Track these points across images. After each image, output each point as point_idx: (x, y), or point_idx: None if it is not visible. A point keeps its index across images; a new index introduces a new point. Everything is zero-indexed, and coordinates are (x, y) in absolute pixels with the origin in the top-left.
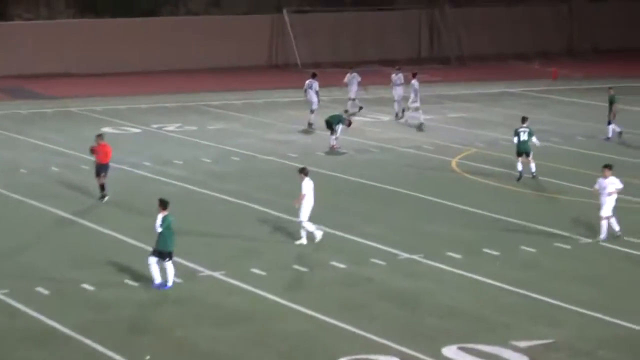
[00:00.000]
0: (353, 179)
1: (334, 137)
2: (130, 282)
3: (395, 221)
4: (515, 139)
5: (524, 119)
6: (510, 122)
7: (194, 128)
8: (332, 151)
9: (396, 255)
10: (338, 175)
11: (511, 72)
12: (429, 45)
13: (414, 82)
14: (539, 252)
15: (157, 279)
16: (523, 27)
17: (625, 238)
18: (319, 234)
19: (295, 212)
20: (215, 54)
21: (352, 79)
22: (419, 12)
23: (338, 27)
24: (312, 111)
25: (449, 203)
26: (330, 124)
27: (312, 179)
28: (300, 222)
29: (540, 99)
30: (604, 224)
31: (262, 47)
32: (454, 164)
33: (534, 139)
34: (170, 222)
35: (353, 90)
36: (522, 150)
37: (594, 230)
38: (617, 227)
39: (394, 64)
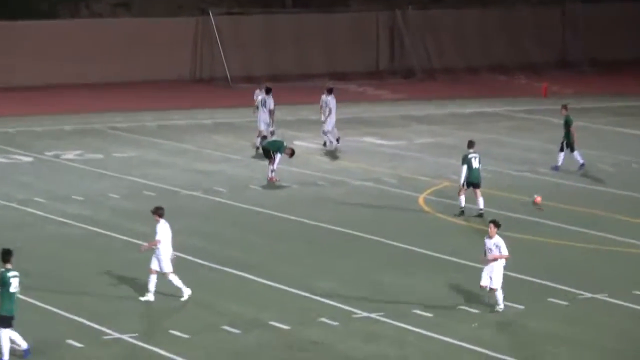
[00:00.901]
0: (297, 219)
1: (271, 167)
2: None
3: (349, 271)
4: (465, 168)
5: (471, 143)
6: (490, 148)
7: (99, 156)
8: (270, 184)
9: (350, 313)
10: (278, 214)
11: (490, 88)
12: (389, 55)
13: (330, 99)
14: (528, 310)
15: (5, 356)
16: (504, 34)
17: (635, 292)
18: (186, 292)
19: (229, 261)
20: (125, 65)
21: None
22: (376, 14)
23: (276, 33)
24: (272, 133)
25: (416, 249)
26: (269, 152)
27: (245, 218)
28: (165, 275)
29: (526, 120)
30: (497, 294)
31: (182, 58)
32: (421, 201)
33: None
34: (8, 279)
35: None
36: (474, 180)
37: (597, 282)
38: (501, 304)
39: (346, 77)
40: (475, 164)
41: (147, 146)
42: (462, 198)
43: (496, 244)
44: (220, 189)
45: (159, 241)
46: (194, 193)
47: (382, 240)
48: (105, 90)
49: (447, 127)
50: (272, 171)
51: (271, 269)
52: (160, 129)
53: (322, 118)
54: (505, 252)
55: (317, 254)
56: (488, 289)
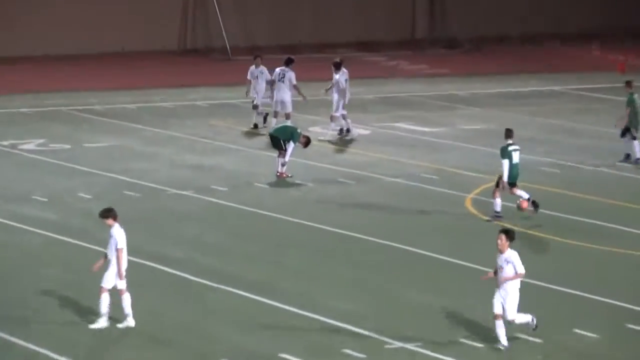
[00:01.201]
0: (312, 224)
1: (282, 160)
2: None
3: (377, 289)
4: (507, 163)
5: (510, 132)
6: (555, 136)
7: (66, 146)
8: (280, 181)
9: (381, 343)
10: (289, 219)
11: (554, 61)
12: (427, 21)
13: (339, 76)
14: (603, 339)
15: None
16: None
17: None
18: (103, 319)
19: (227, 277)
20: (99, 33)
21: (259, 74)
22: None
23: None
24: (287, 116)
25: (461, 262)
26: (278, 141)
27: (248, 223)
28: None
29: (599, 101)
30: (518, 322)
31: (170, 24)
32: (468, 202)
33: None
34: None
35: (259, 92)
36: (513, 179)
37: None
38: (532, 321)
39: (375, 48)
40: (516, 158)
41: (126, 134)
42: (499, 201)
43: (507, 259)
44: (218, 188)
45: (122, 250)
46: (185, 192)
47: (418, 251)
48: (74, 64)
49: (501, 109)
50: (282, 165)
51: (280, 286)
52: (142, 113)
53: (334, 101)
54: (520, 269)
55: (337, 267)
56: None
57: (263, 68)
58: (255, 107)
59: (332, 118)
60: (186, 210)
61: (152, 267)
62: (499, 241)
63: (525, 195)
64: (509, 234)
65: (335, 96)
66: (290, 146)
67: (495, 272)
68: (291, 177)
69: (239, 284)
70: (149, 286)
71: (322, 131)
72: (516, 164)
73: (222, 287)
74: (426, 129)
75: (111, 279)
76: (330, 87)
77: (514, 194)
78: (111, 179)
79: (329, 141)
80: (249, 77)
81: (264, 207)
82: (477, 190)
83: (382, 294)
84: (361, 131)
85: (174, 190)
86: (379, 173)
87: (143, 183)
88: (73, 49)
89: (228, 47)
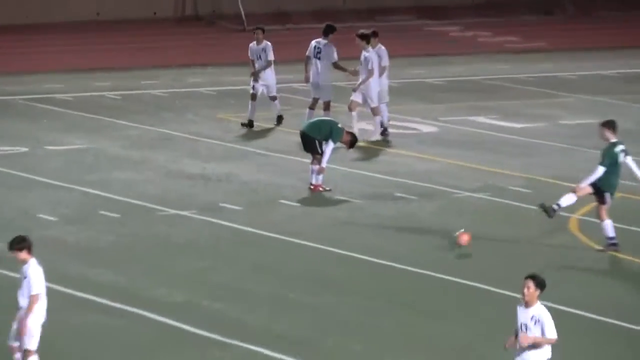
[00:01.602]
0: (359, 256)
1: (316, 167)
2: None
3: (460, 348)
4: (601, 170)
5: (613, 125)
6: None
7: (23, 149)
8: (315, 196)
9: None
10: (326, 248)
11: None
12: None
13: (369, 54)
14: None
15: None
16: None
17: None
18: None
19: (245, 330)
20: None
21: (263, 50)
22: None
23: None
24: (327, 105)
25: (573, 310)
26: (312, 142)
27: (272, 256)
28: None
29: None
30: None
31: None
32: (574, 226)
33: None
34: None
35: (268, 77)
36: (613, 188)
37: None
38: None
39: (441, 14)
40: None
41: (103, 132)
42: (609, 222)
43: (536, 317)
44: (229, 206)
45: (38, 296)
46: (184, 212)
47: (510, 294)
48: (31, 37)
49: (616, 97)
50: (317, 174)
51: (319, 342)
52: (125, 103)
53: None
54: (552, 333)
55: (397, 316)
56: None
57: (267, 44)
58: (253, 97)
59: (373, 111)
60: (186, 237)
61: (139, 315)
62: (525, 290)
63: (565, 204)
64: (539, 281)
65: (374, 82)
66: (329, 148)
67: (516, 334)
68: (330, 190)
69: (259, 339)
70: (135, 341)
71: (370, 128)
72: (619, 171)
73: (235, 342)
74: (515, 125)
75: (36, 336)
76: (357, 70)
77: (602, 216)
78: (83, 195)
79: (376, 141)
80: (250, 56)
81: (293, 232)
82: (586, 208)
83: (466, 353)
84: (425, 128)
85: (169, 210)
86: (450, 185)
87: (126, 200)
88: (29, 17)
89: (243, 13)
